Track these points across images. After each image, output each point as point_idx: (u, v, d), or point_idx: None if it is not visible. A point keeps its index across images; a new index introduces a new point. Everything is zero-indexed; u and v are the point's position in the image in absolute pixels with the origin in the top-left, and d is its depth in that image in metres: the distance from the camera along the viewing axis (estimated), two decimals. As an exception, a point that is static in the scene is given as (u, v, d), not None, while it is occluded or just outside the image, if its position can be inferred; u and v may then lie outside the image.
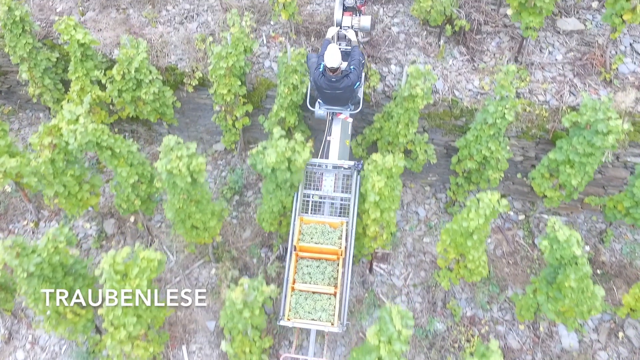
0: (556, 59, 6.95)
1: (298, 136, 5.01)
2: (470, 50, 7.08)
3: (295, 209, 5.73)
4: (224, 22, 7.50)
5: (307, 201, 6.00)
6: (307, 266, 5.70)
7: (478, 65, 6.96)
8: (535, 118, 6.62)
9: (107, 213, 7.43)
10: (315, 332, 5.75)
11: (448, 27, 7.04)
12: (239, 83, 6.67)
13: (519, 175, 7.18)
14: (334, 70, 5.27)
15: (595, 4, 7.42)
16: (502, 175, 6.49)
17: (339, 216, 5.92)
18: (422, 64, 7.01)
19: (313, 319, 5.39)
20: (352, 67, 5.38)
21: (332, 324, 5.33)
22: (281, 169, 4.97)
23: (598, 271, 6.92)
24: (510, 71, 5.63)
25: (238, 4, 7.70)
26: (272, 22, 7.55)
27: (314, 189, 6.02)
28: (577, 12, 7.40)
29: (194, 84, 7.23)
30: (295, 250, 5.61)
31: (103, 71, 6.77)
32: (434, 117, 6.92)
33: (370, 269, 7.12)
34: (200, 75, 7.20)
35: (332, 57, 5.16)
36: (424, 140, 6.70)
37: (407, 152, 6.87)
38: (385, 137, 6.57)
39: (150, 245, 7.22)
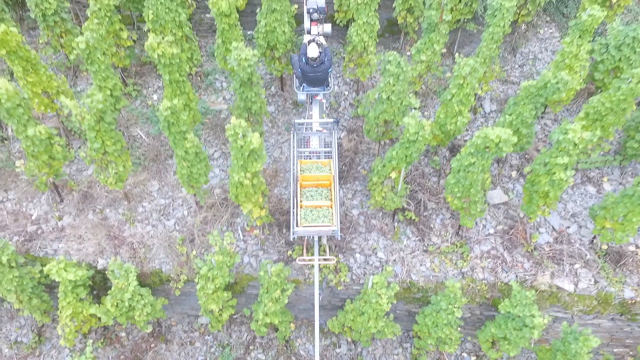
0: (489, 232, 8.38)
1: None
2: (420, 231, 8.34)
3: (293, 157, 7.86)
4: (201, 222, 8.18)
5: (300, 156, 8.09)
6: (309, 191, 7.67)
7: (428, 246, 8.23)
8: (477, 291, 8.01)
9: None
10: (318, 240, 7.71)
11: (400, 214, 8.26)
12: (226, 295, 7.43)
13: (467, 338, 8.58)
14: (314, 59, 7.37)
15: (514, 174, 8.96)
16: (457, 347, 7.81)
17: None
18: (383, 249, 8.16)
19: (318, 223, 7.33)
20: (326, 58, 7.57)
21: (332, 224, 7.26)
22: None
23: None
24: (456, 286, 6.92)
25: (210, 200, 8.40)
26: (245, 213, 8.33)
27: (304, 148, 8.18)
28: (501, 181, 8.90)
29: (180, 287, 7.87)
30: (298, 180, 7.57)
31: (98, 301, 7.22)
32: (396, 294, 8.10)
33: None
34: (186, 277, 7.85)
35: (313, 51, 7.37)
36: (390, 321, 7.87)
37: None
38: (358, 328, 7.66)
39: None
